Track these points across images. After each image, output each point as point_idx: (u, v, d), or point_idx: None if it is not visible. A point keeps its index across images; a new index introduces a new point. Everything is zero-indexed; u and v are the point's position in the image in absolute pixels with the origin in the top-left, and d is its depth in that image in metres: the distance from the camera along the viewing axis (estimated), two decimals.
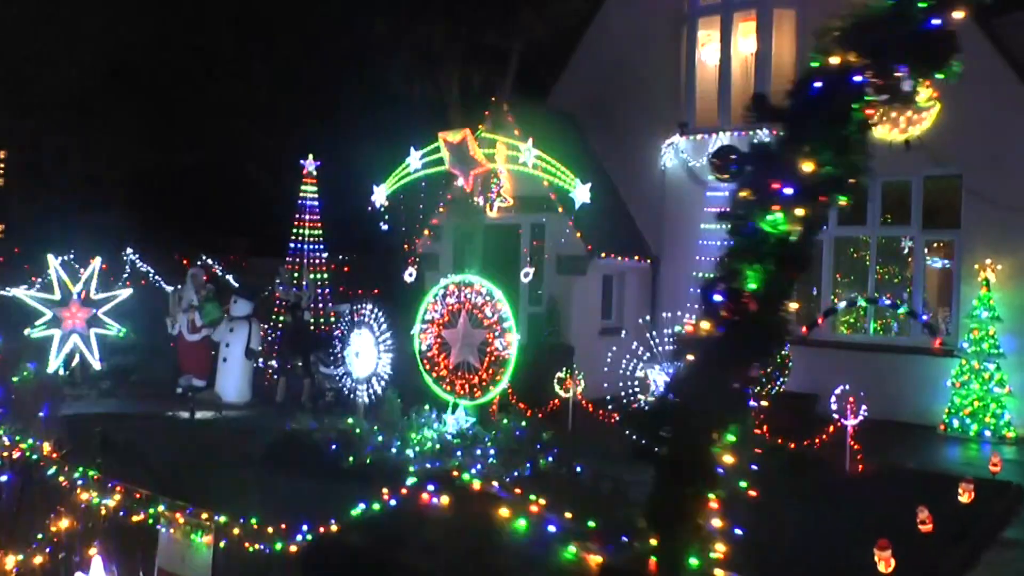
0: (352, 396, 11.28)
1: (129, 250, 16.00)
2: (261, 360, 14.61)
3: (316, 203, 17.02)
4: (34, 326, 13.94)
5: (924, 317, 13.99)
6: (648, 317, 14.25)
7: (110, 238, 15.38)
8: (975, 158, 13.37)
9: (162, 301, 14.98)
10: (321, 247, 16.95)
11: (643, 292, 16.89)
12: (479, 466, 8.79)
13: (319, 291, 16.15)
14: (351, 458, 9.36)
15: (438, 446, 9.50)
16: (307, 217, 16.92)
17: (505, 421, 10.20)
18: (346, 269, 18.20)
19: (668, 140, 16.29)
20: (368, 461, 9.22)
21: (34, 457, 7.06)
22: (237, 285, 14.40)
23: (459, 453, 9.33)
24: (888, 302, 13.93)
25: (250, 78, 19.07)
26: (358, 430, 9.91)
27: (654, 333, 10.41)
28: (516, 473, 8.97)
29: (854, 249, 15.33)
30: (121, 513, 6.53)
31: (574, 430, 12.11)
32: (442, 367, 10.33)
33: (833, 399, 10.52)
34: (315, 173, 16.94)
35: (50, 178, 17.41)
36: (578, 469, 9.50)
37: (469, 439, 9.63)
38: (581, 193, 9.18)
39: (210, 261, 16.24)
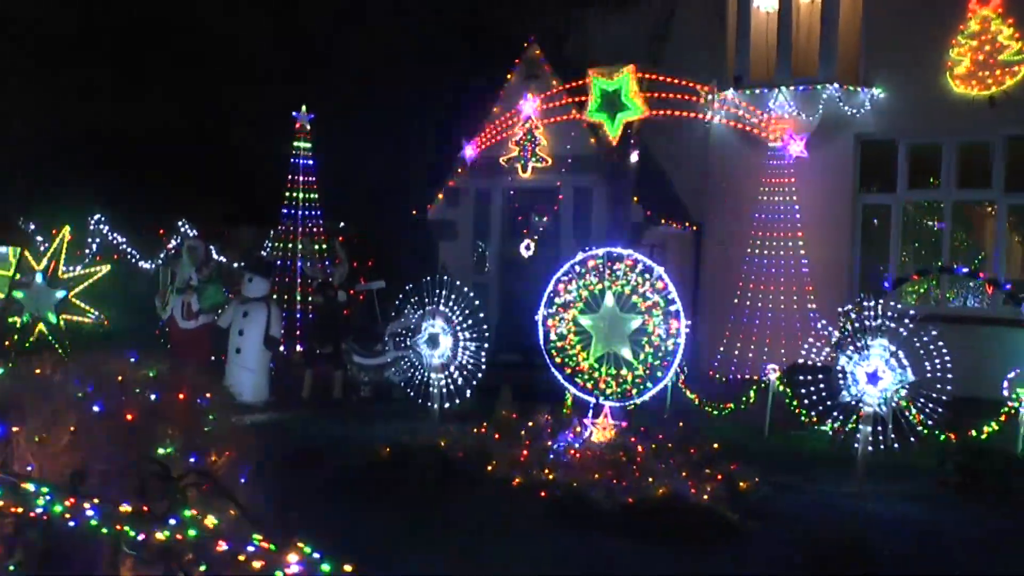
0: (426, 390, 9.49)
1: (98, 216, 13.13)
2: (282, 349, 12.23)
3: (311, 161, 14.61)
4: None
5: (1008, 286, 13.05)
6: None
7: (76, 204, 12.49)
8: None
9: (144, 280, 12.29)
10: (318, 212, 14.58)
11: (684, 262, 15.33)
12: (689, 488, 6.99)
13: (325, 264, 13.72)
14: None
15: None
16: (301, 178, 14.50)
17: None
18: (340, 239, 15.79)
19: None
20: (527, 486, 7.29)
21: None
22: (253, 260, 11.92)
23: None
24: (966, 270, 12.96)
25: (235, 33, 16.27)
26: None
27: (851, 310, 8.72)
28: (708, 491, 7.23)
29: (922, 215, 14.25)
30: None
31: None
32: (580, 361, 8.44)
33: (1005, 384, 9.38)
34: (309, 127, 14.52)
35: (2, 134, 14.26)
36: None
37: (630, 449, 7.79)
38: (795, 146, 7.45)
39: (192, 231, 13.52)
